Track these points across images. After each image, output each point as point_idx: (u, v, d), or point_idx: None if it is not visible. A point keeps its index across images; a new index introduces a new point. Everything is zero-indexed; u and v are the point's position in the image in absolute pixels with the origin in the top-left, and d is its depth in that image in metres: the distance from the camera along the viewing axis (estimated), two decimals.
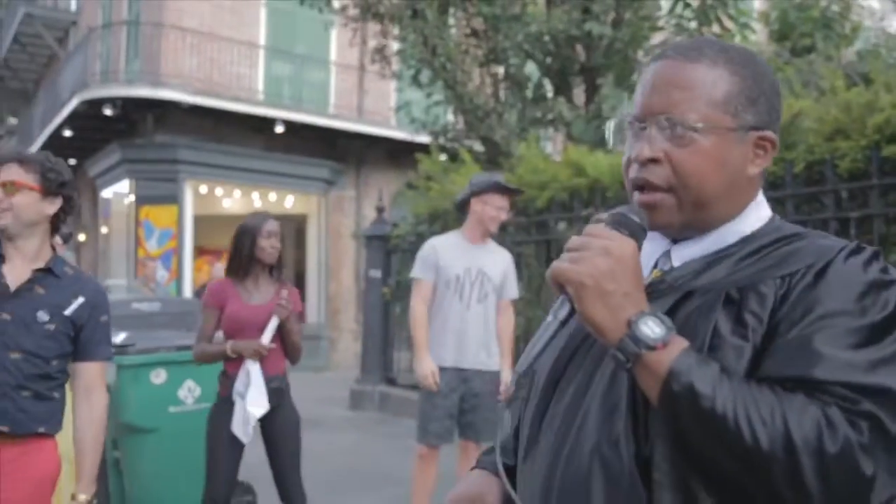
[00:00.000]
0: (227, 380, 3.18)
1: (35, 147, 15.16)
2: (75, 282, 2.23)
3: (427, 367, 3.69)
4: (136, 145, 12.58)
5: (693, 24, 7.93)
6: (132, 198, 12.56)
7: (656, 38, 8.37)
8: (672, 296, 0.93)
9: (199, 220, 12.56)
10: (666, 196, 0.94)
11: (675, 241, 0.99)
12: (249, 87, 12.96)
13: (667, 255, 0.99)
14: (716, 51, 0.96)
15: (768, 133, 0.96)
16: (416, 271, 3.86)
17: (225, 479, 3.13)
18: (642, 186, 0.96)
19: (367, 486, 5.07)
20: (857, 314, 0.82)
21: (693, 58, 0.95)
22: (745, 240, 0.96)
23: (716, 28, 7.85)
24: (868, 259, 0.88)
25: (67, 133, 13.16)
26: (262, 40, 13.37)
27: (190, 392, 3.83)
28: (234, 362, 3.15)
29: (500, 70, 8.56)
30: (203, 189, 12.98)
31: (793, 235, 0.94)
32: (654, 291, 0.94)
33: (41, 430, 2.14)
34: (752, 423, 0.77)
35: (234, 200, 13.72)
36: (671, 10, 8.17)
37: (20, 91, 20.21)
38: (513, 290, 3.93)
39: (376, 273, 8.23)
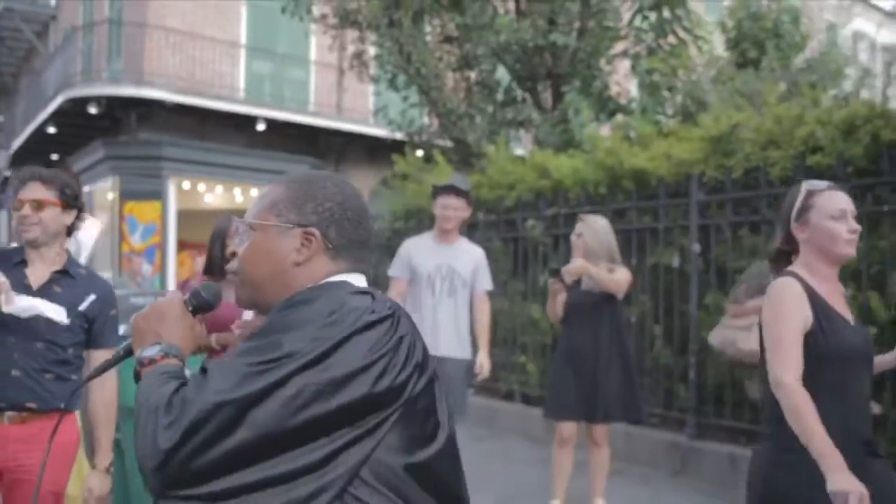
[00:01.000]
0: None
1: (19, 142, 15.31)
2: (87, 281, 2.62)
3: None
4: (120, 143, 12.80)
5: (650, 36, 8.38)
6: (116, 193, 12.79)
7: (618, 47, 8.81)
8: None
9: (182, 216, 12.81)
10: (235, 278, 1.29)
11: None
12: (231, 86, 13.22)
13: None
14: (288, 177, 1.30)
15: (312, 229, 1.21)
16: (392, 270, 4.30)
17: None
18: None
19: None
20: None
21: (272, 181, 1.32)
22: None
23: (672, 39, 8.31)
24: (302, 301, 1.15)
25: (51, 130, 13.35)
26: (243, 39, 13.62)
27: None
28: (214, 353, 3.36)
29: (473, 75, 8.93)
30: (186, 185, 13.21)
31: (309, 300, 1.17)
32: None
33: (63, 406, 2.52)
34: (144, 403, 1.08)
35: (216, 196, 13.96)
36: (630, 22, 8.63)
37: None
38: (486, 283, 4.31)
39: None
